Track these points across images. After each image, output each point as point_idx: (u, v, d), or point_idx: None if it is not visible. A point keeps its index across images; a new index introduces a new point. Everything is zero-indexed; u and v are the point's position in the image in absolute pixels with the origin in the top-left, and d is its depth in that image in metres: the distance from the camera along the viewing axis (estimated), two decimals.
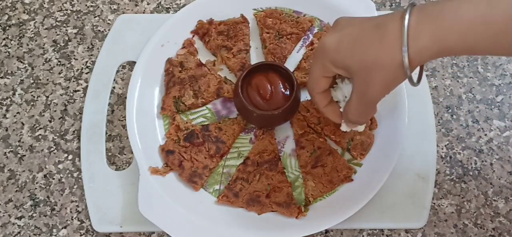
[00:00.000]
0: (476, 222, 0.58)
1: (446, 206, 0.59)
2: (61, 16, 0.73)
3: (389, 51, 0.40)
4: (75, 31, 0.71)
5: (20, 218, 0.59)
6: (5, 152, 0.63)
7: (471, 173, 0.61)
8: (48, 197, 0.60)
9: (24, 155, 0.63)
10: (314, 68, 0.48)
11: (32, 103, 0.66)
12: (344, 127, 0.55)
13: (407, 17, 0.40)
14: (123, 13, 0.72)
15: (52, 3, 0.74)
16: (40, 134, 0.64)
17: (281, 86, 0.59)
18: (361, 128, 0.56)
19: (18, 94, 0.67)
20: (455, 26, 0.38)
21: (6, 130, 0.64)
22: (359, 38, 0.43)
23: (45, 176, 0.61)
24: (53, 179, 0.61)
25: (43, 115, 0.65)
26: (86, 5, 0.73)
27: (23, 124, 0.65)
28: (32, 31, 0.71)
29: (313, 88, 0.50)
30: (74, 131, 0.64)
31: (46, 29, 0.72)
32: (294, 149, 0.61)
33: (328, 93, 0.51)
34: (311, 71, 0.49)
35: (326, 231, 0.58)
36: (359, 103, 0.47)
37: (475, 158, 0.62)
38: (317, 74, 0.48)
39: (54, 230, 0.58)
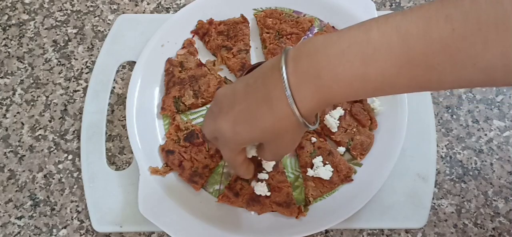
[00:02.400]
0: (476, 222, 0.58)
1: (446, 206, 0.59)
2: (61, 16, 0.73)
3: (284, 117, 0.40)
4: (75, 31, 0.71)
5: (20, 218, 0.59)
6: (5, 152, 0.63)
7: (471, 173, 0.61)
8: (48, 197, 0.60)
9: (24, 155, 0.63)
10: (223, 152, 0.47)
11: (32, 103, 0.66)
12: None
13: (285, 81, 0.38)
14: (123, 13, 0.72)
15: (52, 3, 0.74)
16: (40, 134, 0.64)
17: None
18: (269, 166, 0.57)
19: (18, 94, 0.67)
20: (334, 85, 0.38)
21: (6, 130, 0.64)
22: (251, 116, 0.41)
23: (45, 176, 0.61)
24: (53, 179, 0.61)
25: (43, 115, 0.65)
26: (86, 5, 0.73)
27: (23, 124, 0.65)
28: (32, 31, 0.71)
29: (233, 166, 0.50)
30: (74, 131, 0.64)
31: (46, 29, 0.72)
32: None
33: (247, 159, 0.50)
34: (223, 154, 0.48)
35: (326, 231, 0.58)
36: (274, 157, 0.49)
37: (475, 158, 0.62)
38: (230, 156, 0.47)
39: (54, 230, 0.58)
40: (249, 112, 0.41)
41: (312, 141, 0.60)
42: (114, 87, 0.67)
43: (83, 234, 0.58)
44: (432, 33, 0.34)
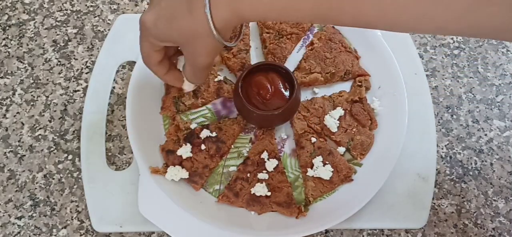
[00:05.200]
0: (476, 222, 0.58)
1: (446, 206, 0.59)
2: (61, 16, 0.73)
3: (199, 22, 0.42)
4: (75, 31, 0.71)
5: (20, 218, 0.59)
6: (5, 152, 0.63)
7: (471, 173, 0.61)
8: (48, 197, 0.60)
9: (24, 155, 0.63)
10: (141, 45, 0.50)
11: (32, 103, 0.66)
12: (185, 86, 0.57)
13: None
14: (123, 13, 0.72)
15: (52, 3, 0.74)
16: (40, 134, 0.64)
17: (281, 86, 0.59)
18: (189, 87, 0.58)
19: (18, 94, 0.67)
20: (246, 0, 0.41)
21: (6, 130, 0.64)
22: (174, 12, 0.44)
23: (45, 176, 0.61)
24: (53, 179, 0.61)
25: (43, 115, 0.65)
26: (86, 5, 0.73)
27: (23, 124, 0.65)
28: (32, 31, 0.71)
29: (148, 63, 0.52)
30: (74, 131, 0.64)
31: (46, 29, 0.72)
32: (294, 149, 0.61)
33: (165, 62, 0.53)
34: (140, 48, 0.50)
35: (326, 231, 0.58)
36: (192, 68, 0.51)
37: (475, 158, 0.62)
38: (147, 50, 0.50)
39: (54, 230, 0.58)
40: (171, 10, 0.44)
41: (312, 141, 0.60)
42: (114, 87, 0.67)
43: (83, 234, 0.58)
44: None
